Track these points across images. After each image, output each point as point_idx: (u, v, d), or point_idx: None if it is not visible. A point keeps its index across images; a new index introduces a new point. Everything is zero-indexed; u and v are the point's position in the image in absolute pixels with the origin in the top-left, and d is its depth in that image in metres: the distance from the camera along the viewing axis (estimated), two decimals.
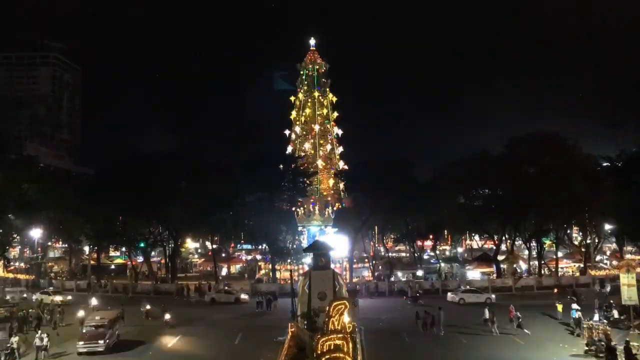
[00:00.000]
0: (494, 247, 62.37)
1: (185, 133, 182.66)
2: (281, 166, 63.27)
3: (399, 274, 60.85)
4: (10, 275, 62.91)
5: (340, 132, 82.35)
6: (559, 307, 34.87)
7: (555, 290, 47.58)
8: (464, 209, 60.38)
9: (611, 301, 34.49)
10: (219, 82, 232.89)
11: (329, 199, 78.60)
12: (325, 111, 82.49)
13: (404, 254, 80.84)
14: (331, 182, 79.60)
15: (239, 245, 77.04)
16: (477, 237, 77.54)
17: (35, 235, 61.78)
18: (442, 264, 66.69)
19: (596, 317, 30.69)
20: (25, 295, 45.08)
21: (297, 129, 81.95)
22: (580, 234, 70.09)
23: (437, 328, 31.55)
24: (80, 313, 32.90)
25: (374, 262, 66.00)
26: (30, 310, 35.68)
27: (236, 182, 56.77)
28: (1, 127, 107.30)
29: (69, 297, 45.74)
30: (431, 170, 72.16)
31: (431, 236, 69.19)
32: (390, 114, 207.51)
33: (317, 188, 77.51)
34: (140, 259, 64.96)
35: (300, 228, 71.20)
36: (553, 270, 60.29)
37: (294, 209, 67.21)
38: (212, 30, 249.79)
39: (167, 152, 63.43)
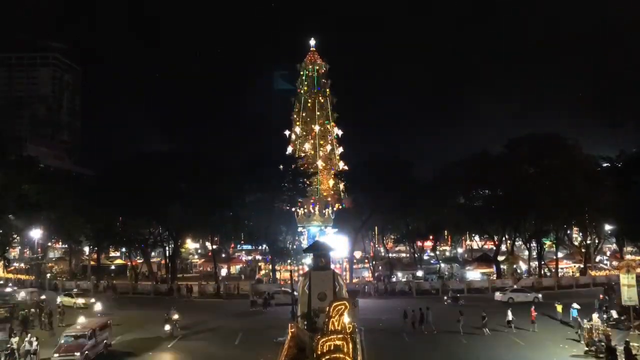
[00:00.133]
0: (494, 248, 62.37)
1: (185, 133, 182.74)
2: (281, 166, 63.26)
3: (399, 274, 60.88)
4: (13, 276, 62.98)
5: (340, 132, 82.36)
6: (559, 308, 34.85)
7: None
8: (464, 209, 60.46)
9: (606, 305, 34.45)
10: (219, 83, 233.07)
11: (329, 199, 78.54)
12: (325, 112, 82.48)
13: (404, 255, 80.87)
14: (331, 182, 79.58)
15: (239, 246, 77.04)
16: (477, 238, 77.58)
17: (35, 235, 61.89)
18: (442, 265, 66.70)
19: (596, 317, 30.65)
20: (43, 296, 42.29)
21: (297, 129, 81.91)
22: (580, 234, 70.12)
23: (426, 326, 31.90)
24: (81, 319, 31.14)
25: (374, 262, 66.00)
26: (31, 310, 35.70)
27: (236, 182, 56.81)
28: (1, 128, 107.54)
29: (92, 300, 43.26)
30: (431, 171, 72.18)
31: (431, 237, 69.22)
32: (390, 114, 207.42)
33: (317, 188, 77.47)
34: (140, 259, 64.94)
35: (300, 228, 71.21)
36: (553, 270, 60.28)
37: (294, 209, 67.21)
38: (212, 30, 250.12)
39: (167, 152, 63.46)
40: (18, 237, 61.80)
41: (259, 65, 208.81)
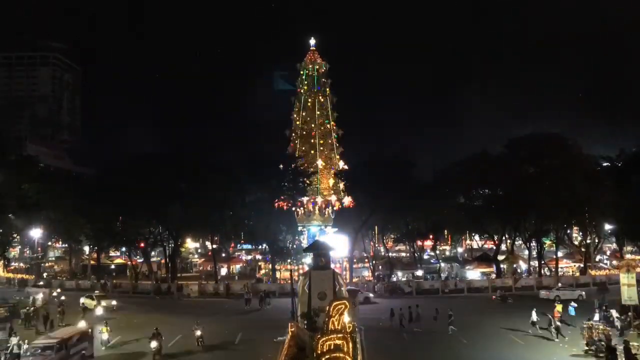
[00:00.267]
0: (494, 247, 62.41)
1: (185, 133, 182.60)
2: (281, 166, 63.29)
3: (399, 273, 60.95)
4: (12, 275, 63.00)
5: (340, 132, 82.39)
6: (559, 307, 34.84)
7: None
8: (464, 209, 60.48)
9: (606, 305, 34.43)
10: (219, 82, 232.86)
11: (329, 199, 78.58)
12: (325, 111, 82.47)
13: (404, 254, 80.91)
14: (331, 182, 79.60)
15: (239, 245, 77.06)
16: (477, 237, 77.60)
17: (35, 235, 61.92)
18: (442, 264, 66.73)
19: (596, 317, 30.69)
20: (63, 297, 40.95)
21: (297, 129, 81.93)
22: (580, 234, 70.14)
23: (415, 324, 32.34)
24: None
25: (374, 262, 66.02)
26: (31, 309, 35.69)
27: (236, 182, 56.83)
28: (1, 127, 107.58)
29: (114, 302, 41.38)
30: (431, 170, 72.11)
31: (431, 236, 69.23)
32: (390, 114, 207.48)
33: (317, 188, 77.46)
34: (140, 259, 64.97)
35: (300, 228, 71.22)
36: (553, 270, 60.31)
37: (294, 208, 67.21)
38: (212, 30, 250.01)
39: (167, 152, 63.50)
40: (18, 237, 61.86)
41: (259, 65, 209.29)
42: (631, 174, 58.01)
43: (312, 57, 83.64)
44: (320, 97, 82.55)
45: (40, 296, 41.51)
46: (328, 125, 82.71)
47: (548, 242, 66.98)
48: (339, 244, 55.38)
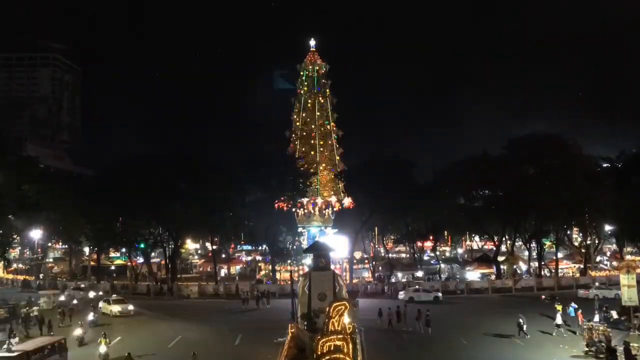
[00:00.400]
0: (494, 248, 62.38)
1: (185, 133, 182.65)
2: (281, 167, 63.24)
3: (399, 274, 60.91)
4: (13, 277, 63.03)
5: (340, 132, 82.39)
6: (559, 308, 34.82)
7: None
8: (464, 209, 60.45)
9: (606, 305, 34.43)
10: (219, 83, 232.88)
11: (329, 199, 78.58)
12: (325, 112, 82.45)
13: (404, 255, 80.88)
14: (331, 182, 79.61)
15: (239, 246, 77.01)
16: (477, 238, 77.55)
17: (35, 236, 61.88)
18: (442, 265, 66.69)
19: (596, 318, 30.67)
20: (75, 301, 40.22)
21: (297, 129, 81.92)
22: (580, 234, 70.11)
23: (404, 323, 32.56)
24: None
25: (374, 262, 65.99)
26: (28, 309, 35.68)
27: (236, 183, 56.81)
28: (1, 128, 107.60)
29: (130, 308, 39.28)
30: (431, 171, 72.10)
31: (431, 237, 69.21)
32: (390, 114, 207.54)
33: (317, 189, 77.45)
34: (140, 259, 64.96)
35: (300, 229, 71.18)
36: (553, 271, 60.30)
37: (294, 209, 67.19)
38: (212, 30, 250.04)
39: (167, 152, 63.46)
40: (18, 238, 61.83)
41: (259, 66, 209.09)
42: (631, 174, 58.04)
43: (312, 58, 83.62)
44: (320, 98, 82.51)
45: (46, 299, 41.25)
46: (328, 126, 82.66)
47: (548, 243, 66.97)
48: (338, 245, 55.34)
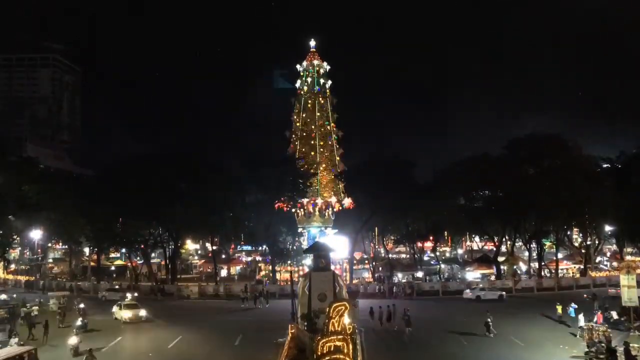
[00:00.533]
0: (494, 249, 62.36)
1: (185, 133, 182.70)
2: (281, 167, 63.23)
3: (399, 275, 60.93)
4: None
5: (340, 133, 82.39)
6: (559, 308, 34.87)
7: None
8: (464, 210, 60.45)
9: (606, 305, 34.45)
10: (219, 83, 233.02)
11: (329, 200, 78.56)
12: (325, 112, 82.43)
13: (404, 255, 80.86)
14: (331, 183, 79.59)
15: (239, 247, 77.01)
16: (477, 239, 77.56)
17: (35, 236, 61.90)
18: (442, 265, 66.68)
19: (596, 318, 30.67)
20: (82, 305, 37.44)
21: (297, 130, 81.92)
22: (581, 235, 70.11)
23: (393, 322, 32.87)
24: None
25: (374, 263, 65.98)
26: (29, 307, 35.64)
27: (236, 183, 56.82)
28: (1, 128, 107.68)
29: (142, 314, 36.39)
30: (431, 171, 72.11)
31: (431, 237, 69.21)
32: (390, 114, 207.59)
33: (317, 189, 77.43)
34: (140, 260, 64.94)
35: (300, 229, 71.19)
36: (553, 271, 60.29)
37: (294, 210, 67.17)
38: (212, 31, 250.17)
39: (167, 152, 63.44)
40: (18, 238, 61.85)
41: (259, 66, 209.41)
42: (631, 175, 58.00)
43: (312, 58, 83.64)
44: (320, 99, 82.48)
45: (55, 300, 40.82)
46: (328, 127, 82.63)
47: (548, 243, 66.97)
48: (339, 246, 55.34)
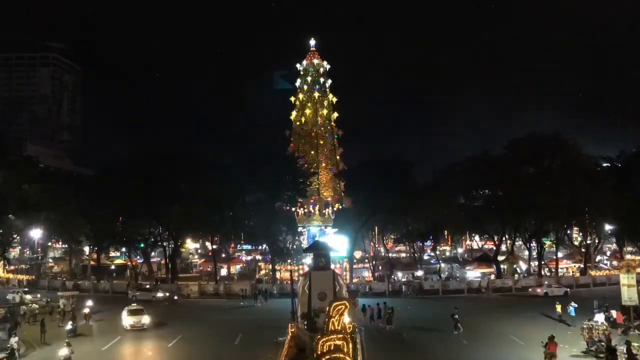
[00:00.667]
0: (494, 248, 62.37)
1: (185, 133, 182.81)
2: (281, 166, 63.21)
3: (399, 274, 60.95)
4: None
5: (340, 132, 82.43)
6: (558, 307, 34.86)
7: None
8: (464, 209, 60.44)
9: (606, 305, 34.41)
10: (219, 82, 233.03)
11: (329, 199, 78.59)
12: (325, 111, 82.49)
13: (404, 255, 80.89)
14: (331, 182, 79.64)
15: (239, 246, 77.03)
16: (477, 238, 77.58)
17: (35, 235, 61.86)
18: (442, 265, 66.69)
19: (596, 317, 30.64)
20: (88, 309, 35.59)
21: (297, 129, 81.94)
22: (581, 234, 70.13)
23: (381, 320, 33.37)
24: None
25: (374, 262, 65.99)
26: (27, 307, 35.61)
27: (236, 182, 56.81)
28: (1, 128, 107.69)
29: (144, 321, 33.55)
30: (431, 171, 72.25)
31: (431, 237, 69.21)
32: (390, 115, 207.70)
33: (317, 188, 77.49)
34: (140, 259, 64.92)
35: (300, 228, 71.22)
36: (553, 270, 60.30)
37: (294, 209, 67.18)
38: (213, 30, 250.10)
39: (167, 152, 63.42)
40: (18, 237, 61.82)
41: (259, 65, 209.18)
42: (631, 174, 58.02)
43: (312, 57, 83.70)
44: (320, 98, 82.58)
45: (64, 300, 40.44)
46: (328, 126, 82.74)
47: (548, 242, 66.97)
48: (339, 245, 55.33)
